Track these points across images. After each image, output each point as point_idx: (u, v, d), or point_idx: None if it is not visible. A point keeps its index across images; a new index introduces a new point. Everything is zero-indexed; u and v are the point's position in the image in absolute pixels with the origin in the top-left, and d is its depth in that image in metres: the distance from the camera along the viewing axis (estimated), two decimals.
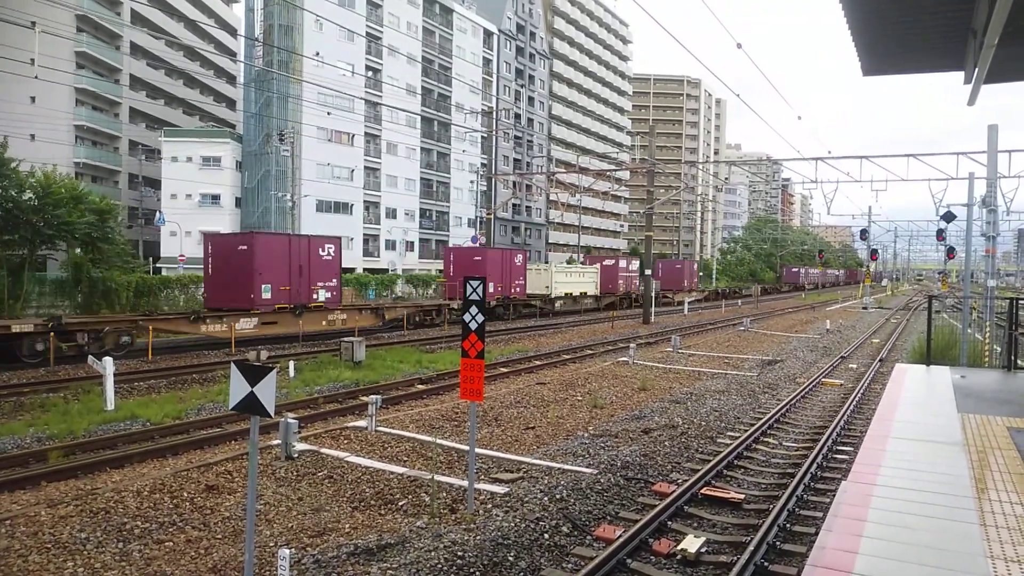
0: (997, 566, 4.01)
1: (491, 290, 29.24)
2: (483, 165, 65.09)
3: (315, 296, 24.37)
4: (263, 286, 22.61)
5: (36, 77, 27.93)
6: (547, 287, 37.62)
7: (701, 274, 65.98)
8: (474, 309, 7.78)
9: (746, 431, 11.68)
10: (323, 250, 24.80)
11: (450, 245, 56.51)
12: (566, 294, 39.22)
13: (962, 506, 4.95)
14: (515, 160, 77.00)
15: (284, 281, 23.37)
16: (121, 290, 24.75)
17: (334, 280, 25.15)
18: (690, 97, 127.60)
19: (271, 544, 6.86)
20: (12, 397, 13.80)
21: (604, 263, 46.25)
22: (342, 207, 56.84)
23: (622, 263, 47.07)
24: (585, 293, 41.28)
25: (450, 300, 30.59)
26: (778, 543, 7.10)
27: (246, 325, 22.15)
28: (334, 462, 9.48)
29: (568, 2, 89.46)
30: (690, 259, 76.28)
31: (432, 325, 29.88)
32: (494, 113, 57.66)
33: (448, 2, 66.89)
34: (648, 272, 35.70)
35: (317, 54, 48.23)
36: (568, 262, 45.06)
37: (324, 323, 24.85)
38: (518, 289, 34.00)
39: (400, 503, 8.12)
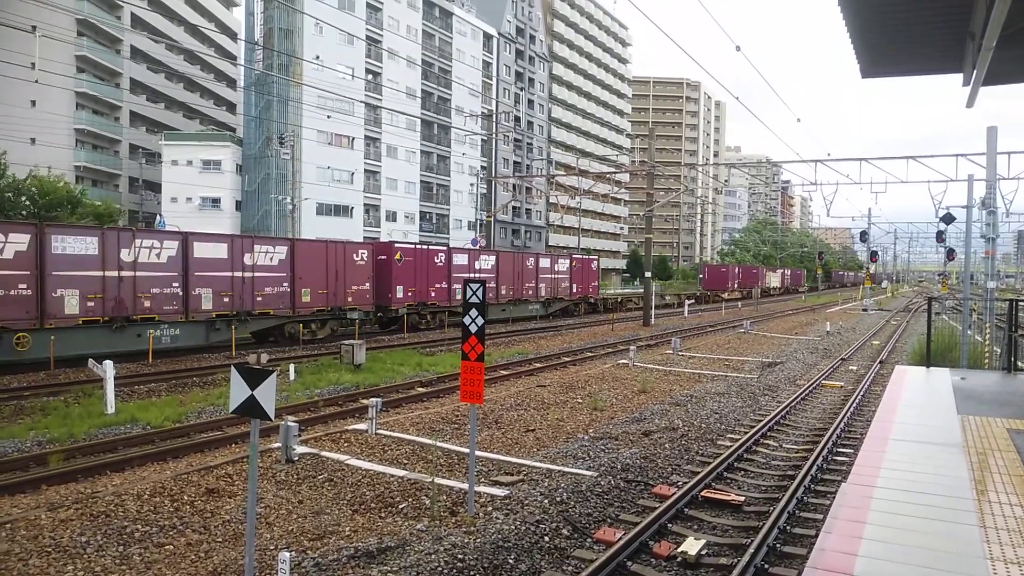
0: (997, 568, 4.01)
1: (733, 285, 57.55)
2: (483, 168, 65.11)
3: (730, 285, 61.62)
4: (731, 282, 59.74)
5: (36, 81, 27.92)
6: (767, 283, 75.63)
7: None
8: (474, 312, 7.74)
9: (746, 433, 11.68)
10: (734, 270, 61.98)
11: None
12: (772, 287, 78.78)
13: (962, 508, 4.95)
14: (515, 163, 77.06)
15: (738, 279, 60.10)
16: None
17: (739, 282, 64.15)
18: (689, 100, 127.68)
19: (271, 547, 6.86)
20: (13, 400, 13.80)
21: (778, 271, 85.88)
22: (342, 210, 56.91)
23: (785, 271, 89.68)
24: (777, 287, 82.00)
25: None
26: (778, 545, 7.10)
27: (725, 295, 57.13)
28: (334, 465, 9.48)
29: (567, 5, 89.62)
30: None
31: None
32: (494, 116, 57.79)
33: (448, 5, 66.99)
34: (648, 274, 35.73)
35: (317, 57, 48.28)
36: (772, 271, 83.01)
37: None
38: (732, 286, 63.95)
39: (400, 506, 8.12)
